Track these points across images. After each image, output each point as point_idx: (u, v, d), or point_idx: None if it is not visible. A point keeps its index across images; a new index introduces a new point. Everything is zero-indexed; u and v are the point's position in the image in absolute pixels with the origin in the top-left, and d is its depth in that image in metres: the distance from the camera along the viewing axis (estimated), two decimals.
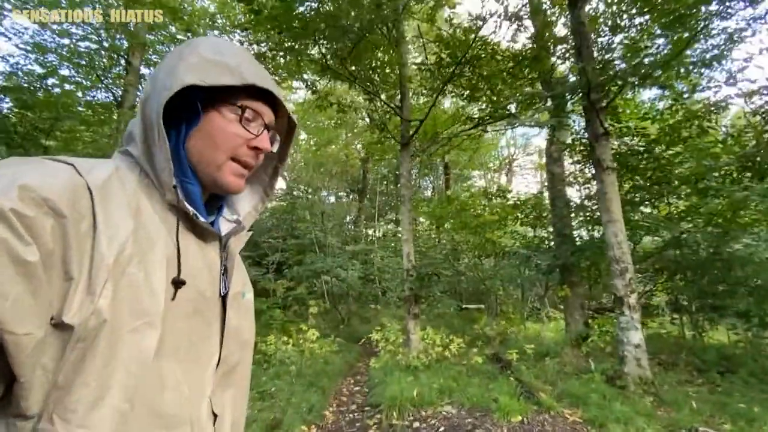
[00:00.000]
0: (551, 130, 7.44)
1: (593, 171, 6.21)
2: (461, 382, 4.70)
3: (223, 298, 0.63)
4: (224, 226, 0.68)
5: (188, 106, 0.59)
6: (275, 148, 0.70)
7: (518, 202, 9.36)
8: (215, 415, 0.60)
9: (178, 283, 0.53)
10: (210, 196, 0.67)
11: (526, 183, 23.24)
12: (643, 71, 4.94)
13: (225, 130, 0.61)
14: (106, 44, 7.27)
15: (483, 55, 6.51)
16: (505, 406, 3.74)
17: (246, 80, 0.59)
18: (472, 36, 6.35)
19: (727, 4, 5.08)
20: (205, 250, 0.61)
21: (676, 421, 3.64)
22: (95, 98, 8.01)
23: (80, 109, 6.94)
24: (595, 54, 5.73)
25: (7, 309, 0.39)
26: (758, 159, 5.88)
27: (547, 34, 6.68)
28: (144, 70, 7.85)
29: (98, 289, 0.45)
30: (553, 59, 6.71)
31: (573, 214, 8.04)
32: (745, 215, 6.33)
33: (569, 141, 7.38)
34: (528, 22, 6.98)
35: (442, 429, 3.59)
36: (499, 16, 6.34)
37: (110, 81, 8.00)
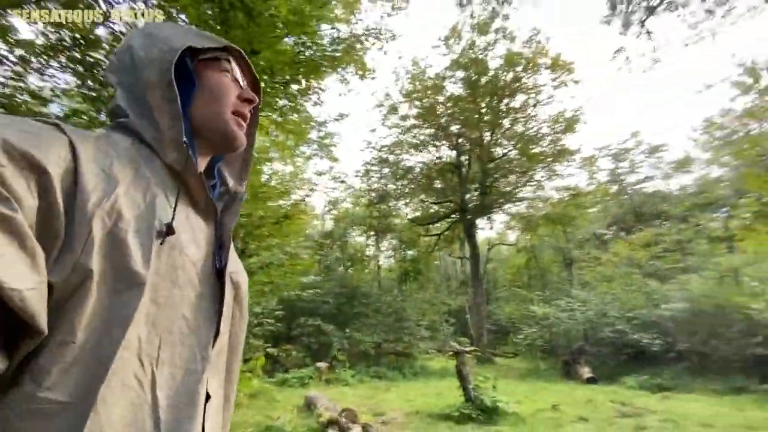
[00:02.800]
0: None
1: None
2: None
3: (219, 274, 0.59)
4: (218, 202, 0.66)
5: (179, 74, 0.60)
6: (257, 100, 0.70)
7: None
8: (208, 396, 0.55)
9: (169, 228, 0.51)
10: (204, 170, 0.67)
11: None
12: None
13: (221, 82, 0.64)
14: None
15: None
16: None
17: (223, 43, 0.65)
18: None
19: None
20: (200, 221, 0.59)
21: None
22: None
23: None
24: None
25: (1, 268, 0.35)
26: None
27: None
28: None
29: (79, 246, 0.43)
30: None
31: None
32: None
33: None
34: None
35: None
36: None
37: None
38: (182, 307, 0.53)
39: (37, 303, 0.39)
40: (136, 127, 0.57)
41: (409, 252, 21.93)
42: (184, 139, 0.56)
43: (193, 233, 0.57)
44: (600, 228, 21.31)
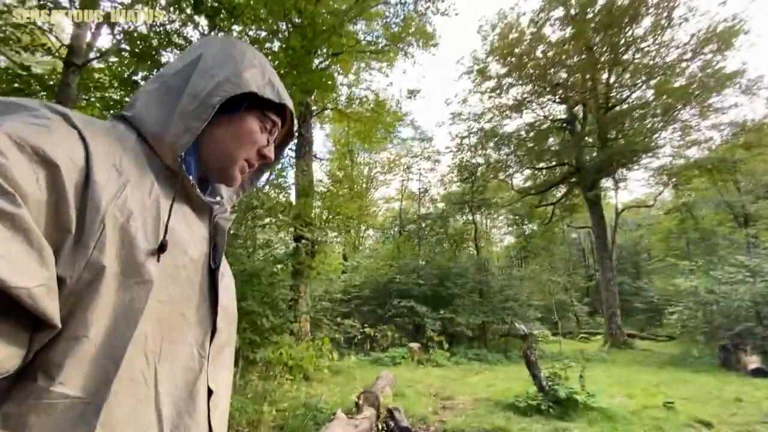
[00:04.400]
0: None
1: None
2: None
3: (213, 273, 0.61)
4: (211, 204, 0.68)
5: (227, 101, 0.60)
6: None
7: None
8: (210, 391, 0.58)
9: (162, 246, 0.50)
10: (199, 178, 0.68)
11: None
12: None
13: (253, 134, 0.65)
14: None
15: None
16: None
17: (283, 100, 0.67)
18: None
19: None
20: (196, 222, 0.61)
21: None
22: None
23: None
24: None
25: (6, 267, 0.35)
26: None
27: None
28: None
29: (91, 242, 0.43)
30: None
31: None
32: None
33: None
34: None
35: None
36: None
37: None
38: (182, 304, 0.53)
39: (46, 299, 0.38)
40: (141, 123, 0.57)
41: (529, 226, 20.12)
42: (182, 154, 0.56)
43: (191, 232, 0.58)
44: None
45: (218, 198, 0.71)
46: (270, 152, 0.69)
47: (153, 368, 0.48)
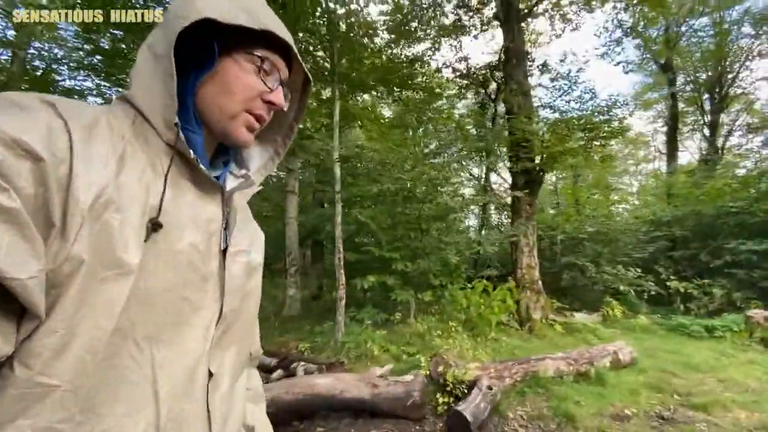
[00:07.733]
0: None
1: None
2: None
3: (224, 253, 0.60)
4: (230, 182, 0.65)
5: (202, 50, 0.56)
6: (286, 107, 0.65)
7: None
8: (210, 374, 0.57)
9: (155, 225, 0.49)
10: (216, 150, 0.65)
11: None
12: None
13: (242, 79, 0.58)
14: None
15: None
16: None
17: (264, 25, 0.57)
18: None
19: None
20: (203, 201, 0.58)
21: None
22: None
23: None
24: None
25: (4, 258, 0.37)
26: None
27: None
28: None
29: (72, 235, 0.43)
30: None
31: None
32: None
33: None
34: None
35: None
36: None
37: None
38: (182, 289, 0.53)
39: (36, 291, 0.41)
40: (137, 102, 0.54)
41: None
42: (176, 120, 0.52)
43: (194, 212, 0.56)
44: None
45: (243, 171, 0.68)
46: (277, 98, 0.61)
47: (148, 352, 0.49)
